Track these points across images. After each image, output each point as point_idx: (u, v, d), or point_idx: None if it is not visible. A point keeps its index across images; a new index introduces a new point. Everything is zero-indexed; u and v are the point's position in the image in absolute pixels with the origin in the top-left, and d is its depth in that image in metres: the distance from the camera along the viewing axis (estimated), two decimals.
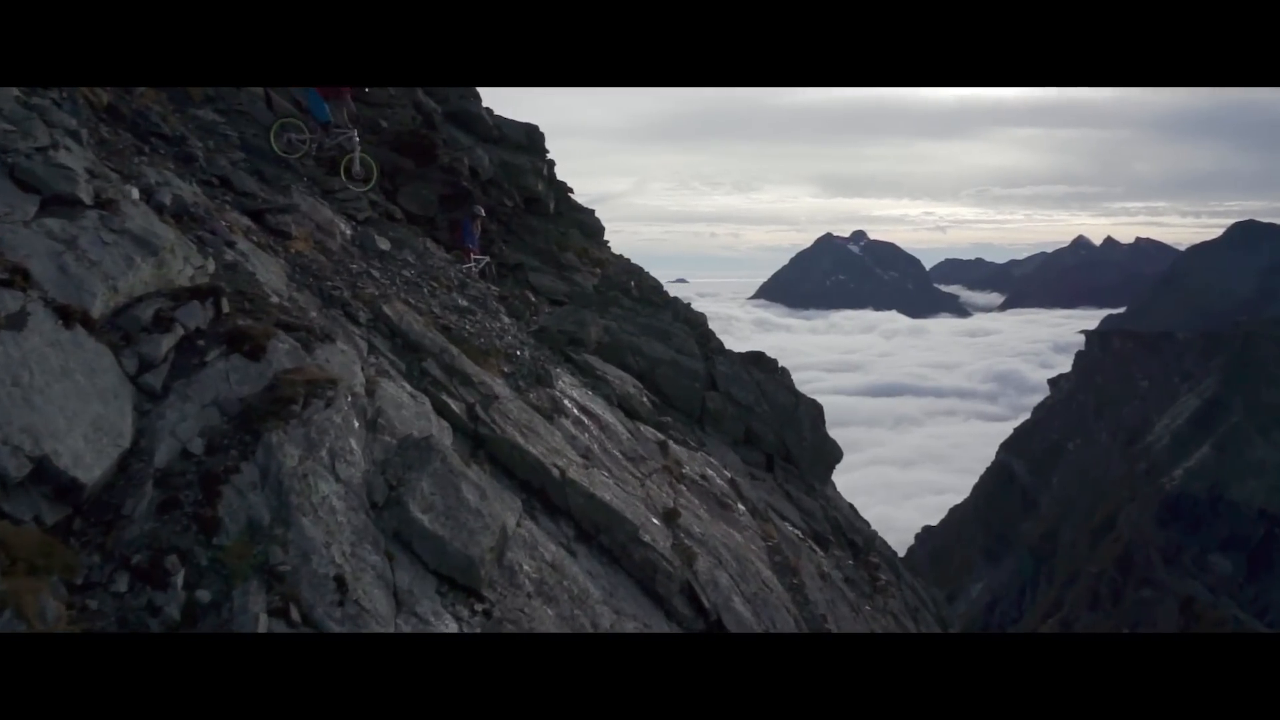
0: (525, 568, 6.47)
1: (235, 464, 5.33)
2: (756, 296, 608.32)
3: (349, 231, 11.51)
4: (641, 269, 20.30)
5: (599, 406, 11.49)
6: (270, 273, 8.64)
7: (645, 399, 12.86)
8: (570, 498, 8.67)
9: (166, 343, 5.93)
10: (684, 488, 11.46)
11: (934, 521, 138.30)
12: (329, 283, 9.29)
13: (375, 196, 13.94)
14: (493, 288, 14.18)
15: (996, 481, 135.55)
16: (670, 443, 12.64)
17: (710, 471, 12.77)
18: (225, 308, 6.71)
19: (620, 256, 20.68)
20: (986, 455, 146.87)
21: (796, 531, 15.14)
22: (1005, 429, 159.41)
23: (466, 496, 6.20)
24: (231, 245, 8.41)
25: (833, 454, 19.20)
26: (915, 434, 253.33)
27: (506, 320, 12.50)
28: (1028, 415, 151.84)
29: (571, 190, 20.50)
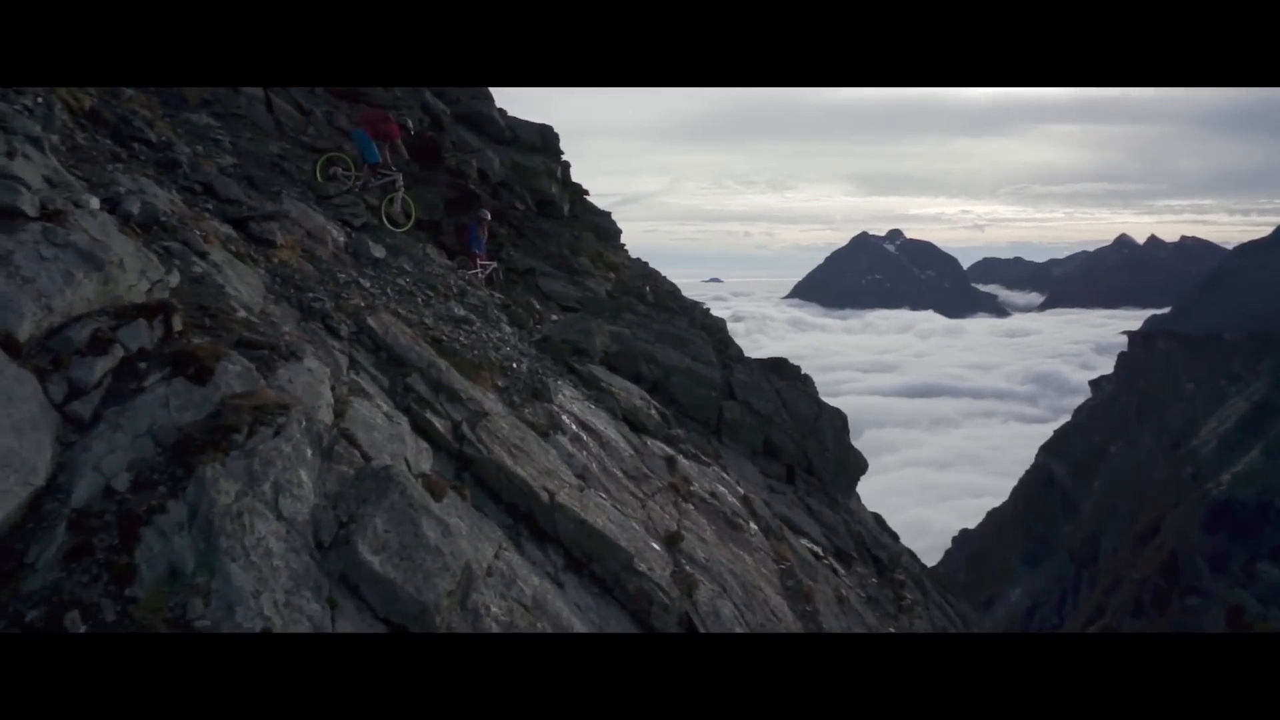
0: (493, 610, 5.93)
1: (161, 502, 4.85)
2: (791, 296, 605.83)
3: (342, 239, 11.07)
4: (658, 273, 19.71)
5: (601, 421, 10.95)
6: (245, 284, 8.20)
7: (654, 411, 12.30)
8: (559, 524, 8.14)
9: (102, 366, 5.48)
10: (690, 507, 10.89)
11: (971, 524, 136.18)
12: (311, 294, 8.84)
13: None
14: (496, 295, 13.68)
15: (1036, 484, 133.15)
16: (679, 458, 12.07)
17: (721, 488, 12.17)
18: (177, 325, 6.25)
19: (636, 260, 20.10)
20: (1025, 458, 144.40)
21: (815, 548, 14.51)
22: (1045, 431, 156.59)
23: (426, 533, 5.67)
24: (204, 256, 7.98)
25: (857, 465, 18.51)
26: (952, 435, 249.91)
27: (508, 330, 11.99)
28: (1068, 417, 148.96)
29: (587, 192, 19.97)
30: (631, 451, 10.60)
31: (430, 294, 11.01)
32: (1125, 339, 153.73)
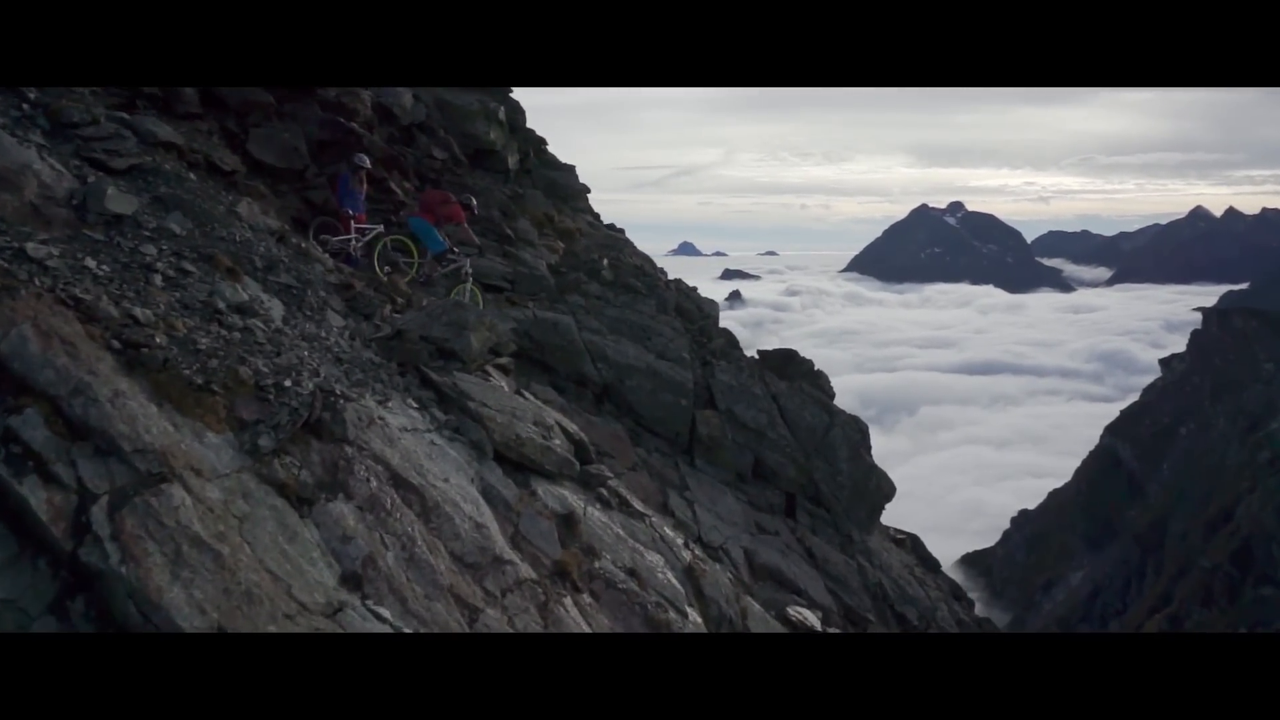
0: None
1: None
2: (848, 269, 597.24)
3: (67, 185, 7.35)
4: (627, 242, 15.62)
5: (446, 466, 7.10)
6: None
7: (557, 442, 8.41)
8: None
9: None
10: (582, 600, 7.02)
11: (1031, 505, 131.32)
12: None
13: (206, 150, 9.80)
14: (343, 271, 9.86)
15: (1100, 466, 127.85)
16: (591, 511, 8.20)
17: (653, 557, 8.26)
18: None
19: (603, 226, 16.11)
20: (1089, 438, 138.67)
21: (811, 616, 10.57)
22: (1111, 411, 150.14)
23: None
24: None
25: (880, 490, 14.39)
26: (1012, 413, 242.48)
27: (336, 322, 8.20)
28: (1136, 397, 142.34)
29: (546, 142, 15.98)
30: (475, 521, 6.70)
31: (193, 270, 7.23)
32: (1198, 316, 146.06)
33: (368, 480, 6.22)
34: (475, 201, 13.00)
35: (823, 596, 11.79)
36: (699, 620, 8.00)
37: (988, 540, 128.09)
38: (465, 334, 8.33)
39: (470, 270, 12.72)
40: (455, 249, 12.56)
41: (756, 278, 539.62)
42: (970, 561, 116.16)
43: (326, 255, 10.01)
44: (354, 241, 11.31)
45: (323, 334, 7.75)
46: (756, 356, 15.29)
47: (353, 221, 11.53)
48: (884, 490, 14.44)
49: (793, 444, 13.24)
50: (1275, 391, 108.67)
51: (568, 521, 7.74)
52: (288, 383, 6.43)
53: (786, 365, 14.88)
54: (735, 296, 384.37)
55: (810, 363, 15.49)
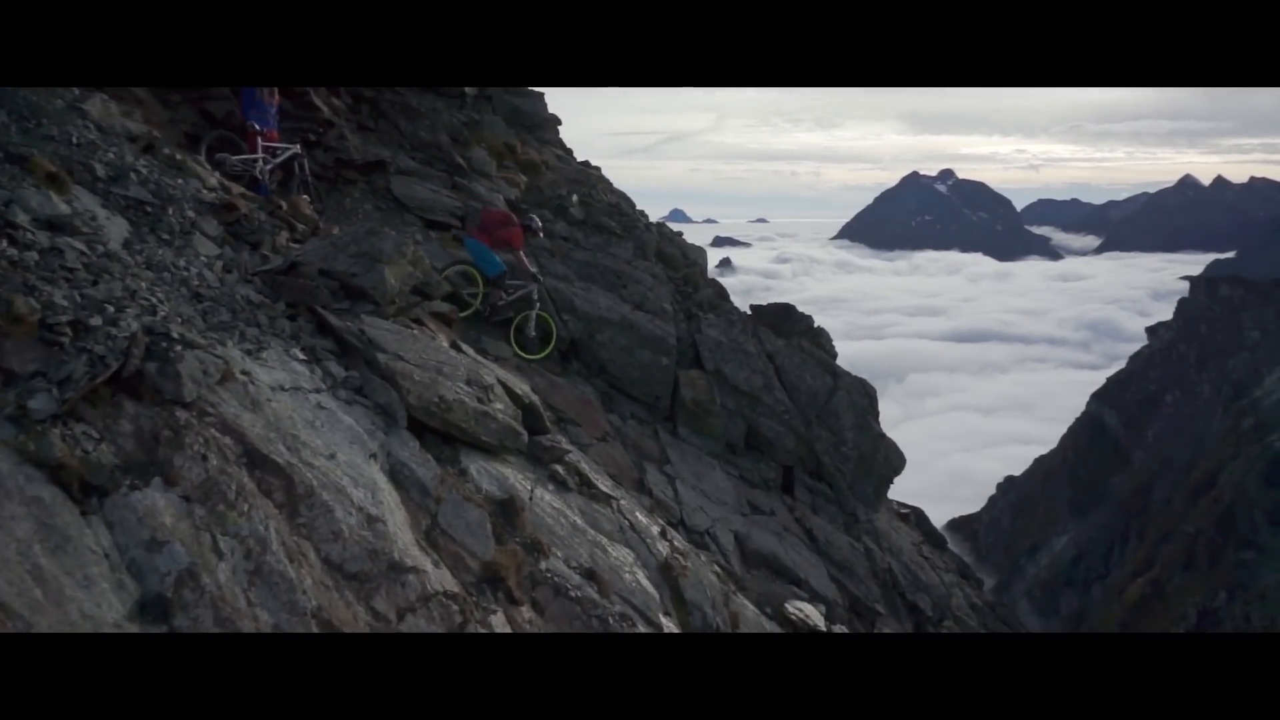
0: None
1: None
2: (839, 237, 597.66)
3: None
4: (602, 178, 13.65)
5: (338, 436, 5.27)
6: None
7: (499, 406, 6.59)
8: None
9: None
10: (519, 616, 5.24)
11: (1017, 472, 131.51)
12: None
13: None
14: (229, 192, 7.90)
15: (1086, 433, 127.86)
16: (539, 493, 6.39)
17: (620, 553, 6.46)
18: None
19: (576, 162, 14.12)
20: (1076, 405, 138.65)
21: (811, 614, 8.85)
22: (1097, 378, 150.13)
23: None
24: None
25: (889, 462, 12.62)
26: (1000, 381, 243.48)
27: (207, 250, 6.31)
28: (1122, 365, 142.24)
29: None
30: (368, 514, 4.88)
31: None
32: (1185, 284, 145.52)
33: (203, 458, 4.37)
34: (539, 223, 11.50)
35: (826, 586, 10.08)
36: (672, 630, 6.23)
37: (974, 506, 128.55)
38: (378, 268, 6.44)
39: (538, 299, 11.42)
40: (519, 277, 11.38)
41: (747, 245, 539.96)
42: (956, 527, 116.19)
43: (213, 174, 8.06)
44: (261, 163, 9.43)
45: (181, 263, 5.85)
46: (749, 312, 13.48)
47: (260, 139, 9.66)
48: (893, 462, 12.67)
49: (791, 410, 11.46)
50: (1260, 359, 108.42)
51: (507, 509, 5.93)
52: (96, 321, 4.56)
53: (783, 321, 13.04)
54: (726, 264, 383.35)
55: (809, 319, 13.66)
